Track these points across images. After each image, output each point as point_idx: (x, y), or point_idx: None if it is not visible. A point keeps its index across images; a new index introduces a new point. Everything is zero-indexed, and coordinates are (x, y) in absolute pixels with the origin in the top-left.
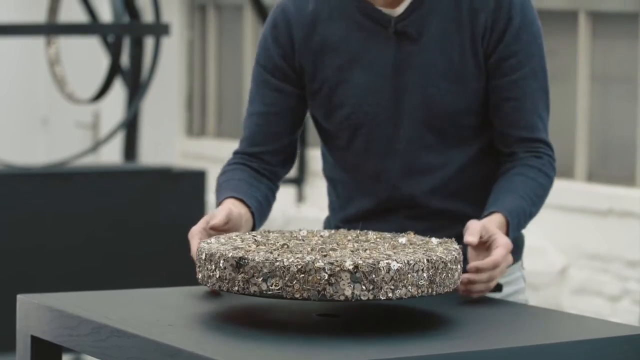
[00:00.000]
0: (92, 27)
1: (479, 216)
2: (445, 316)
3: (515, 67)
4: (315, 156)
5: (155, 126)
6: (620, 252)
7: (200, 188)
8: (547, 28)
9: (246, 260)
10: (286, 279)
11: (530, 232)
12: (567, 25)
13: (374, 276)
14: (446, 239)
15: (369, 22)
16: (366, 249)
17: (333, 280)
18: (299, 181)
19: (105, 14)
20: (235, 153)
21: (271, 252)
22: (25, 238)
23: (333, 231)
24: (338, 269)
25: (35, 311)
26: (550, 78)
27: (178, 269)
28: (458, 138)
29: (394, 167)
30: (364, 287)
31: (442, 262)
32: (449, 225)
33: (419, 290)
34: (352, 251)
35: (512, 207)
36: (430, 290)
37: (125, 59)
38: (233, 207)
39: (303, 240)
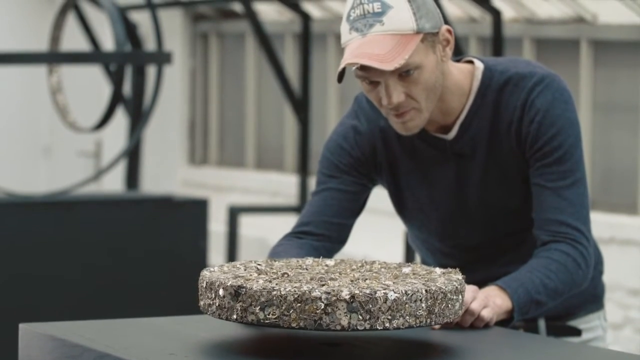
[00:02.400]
0: (94, 55)
1: None
2: (445, 346)
3: (539, 158)
4: None
5: (157, 155)
6: (622, 281)
7: (202, 217)
8: (549, 56)
9: (244, 289)
10: (283, 308)
11: None
12: (569, 54)
13: (370, 306)
14: (450, 269)
15: (427, 147)
16: (366, 279)
17: (329, 310)
18: (300, 210)
19: (107, 43)
20: (297, 226)
21: (270, 281)
22: (27, 267)
23: (339, 260)
24: (334, 298)
25: (37, 340)
26: None
27: (179, 297)
28: (520, 231)
29: (462, 255)
30: (360, 317)
31: (442, 292)
32: None
33: (417, 321)
34: (351, 281)
35: (506, 278)
36: (429, 321)
37: (127, 88)
38: None
39: (306, 269)
